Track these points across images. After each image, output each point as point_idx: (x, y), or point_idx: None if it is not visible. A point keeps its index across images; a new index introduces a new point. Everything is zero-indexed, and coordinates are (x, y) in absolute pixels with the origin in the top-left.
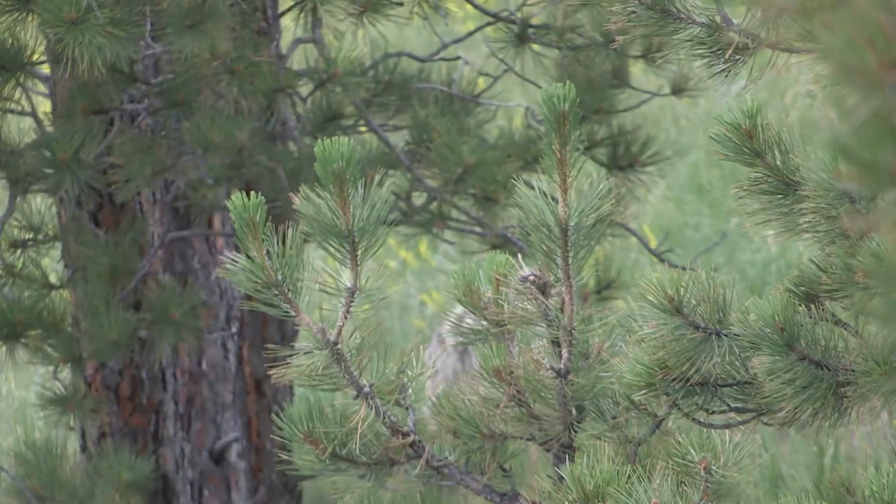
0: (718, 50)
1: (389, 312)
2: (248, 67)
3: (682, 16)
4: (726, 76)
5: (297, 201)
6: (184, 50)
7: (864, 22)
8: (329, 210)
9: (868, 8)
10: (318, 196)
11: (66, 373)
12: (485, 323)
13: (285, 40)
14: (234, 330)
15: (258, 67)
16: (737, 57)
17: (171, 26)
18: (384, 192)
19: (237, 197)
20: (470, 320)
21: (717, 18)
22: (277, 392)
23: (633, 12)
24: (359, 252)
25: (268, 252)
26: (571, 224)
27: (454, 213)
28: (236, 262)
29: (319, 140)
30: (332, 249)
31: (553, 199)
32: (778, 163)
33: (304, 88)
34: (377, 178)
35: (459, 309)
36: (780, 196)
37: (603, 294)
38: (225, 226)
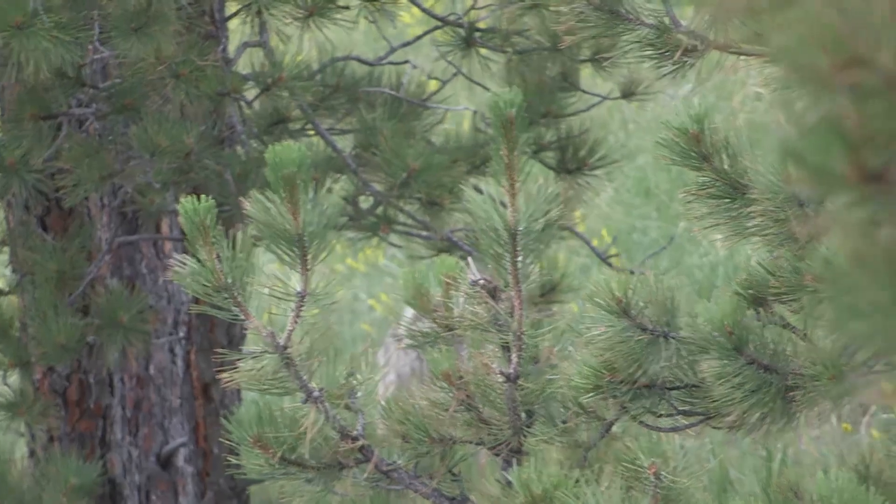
0: (667, 52)
1: (338, 317)
2: (194, 71)
3: (631, 17)
4: (675, 78)
5: (248, 205)
6: (129, 54)
7: (816, 23)
8: (279, 214)
9: (820, 8)
10: (268, 200)
11: (14, 377)
12: (435, 326)
13: (233, 44)
14: (181, 334)
15: (204, 71)
16: (685, 59)
17: (115, 30)
18: (334, 196)
19: (188, 200)
20: (420, 323)
21: (666, 20)
22: (225, 396)
23: (582, 13)
24: (309, 256)
25: (217, 255)
26: (520, 228)
27: (401, 218)
28: (185, 265)
29: (270, 145)
30: (281, 254)
31: (502, 203)
32: (726, 167)
33: (252, 92)
34: (327, 183)
35: (410, 312)
36: (728, 200)
37: (548, 297)
38: (173, 230)
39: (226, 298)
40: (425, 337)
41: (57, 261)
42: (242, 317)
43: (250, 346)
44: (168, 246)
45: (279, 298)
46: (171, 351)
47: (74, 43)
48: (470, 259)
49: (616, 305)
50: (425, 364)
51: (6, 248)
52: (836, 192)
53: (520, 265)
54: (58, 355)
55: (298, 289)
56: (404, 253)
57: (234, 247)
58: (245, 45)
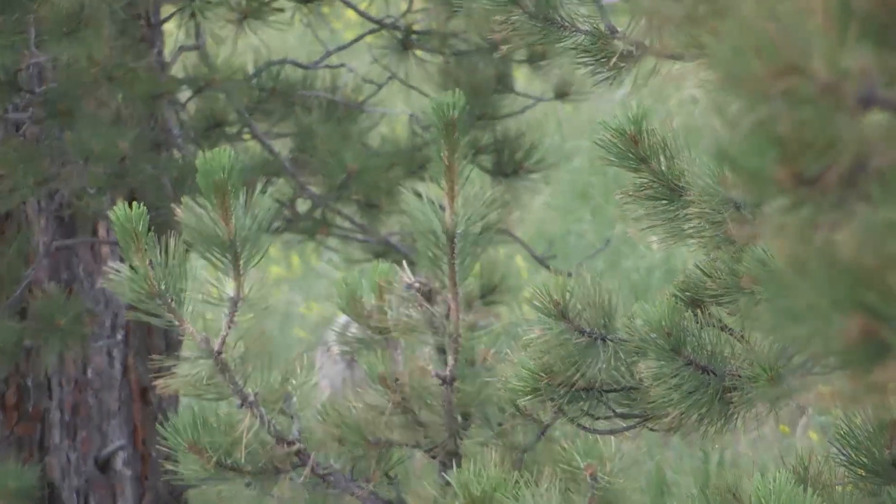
0: (603, 58)
1: (273, 321)
2: (128, 74)
3: (566, 24)
4: (611, 84)
5: (180, 212)
6: (61, 57)
7: (751, 30)
8: (211, 220)
9: (755, 16)
10: (200, 206)
11: None
12: (369, 331)
13: (169, 48)
14: (119, 338)
15: (138, 74)
16: (621, 65)
17: (48, 33)
18: (266, 200)
19: (119, 207)
20: (355, 329)
21: (602, 27)
22: (163, 400)
23: (517, 20)
24: (241, 262)
25: (151, 262)
26: (458, 231)
27: (339, 221)
28: (120, 272)
29: (201, 151)
30: (214, 260)
31: (440, 206)
32: (663, 168)
33: (188, 96)
34: (260, 187)
35: (344, 318)
36: (665, 202)
37: (486, 300)
38: (110, 234)
39: (159, 305)
40: (360, 342)
41: None
42: (176, 323)
43: (188, 350)
44: (105, 250)
45: (213, 304)
46: (109, 355)
47: (7, 47)
48: (404, 262)
49: (554, 308)
50: (357, 372)
51: None
52: (771, 195)
53: (457, 268)
54: None
55: (231, 294)
56: (341, 256)
57: (167, 253)
58: (181, 48)
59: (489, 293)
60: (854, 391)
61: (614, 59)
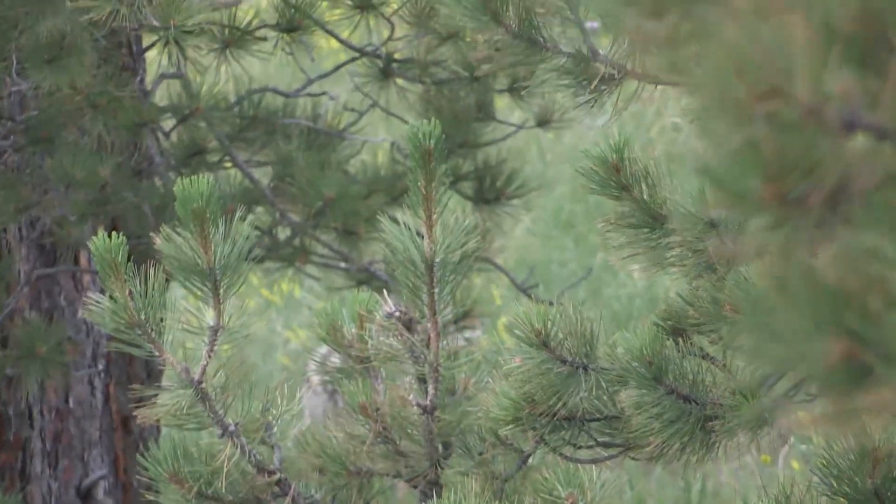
0: (584, 80)
1: (255, 350)
2: (111, 102)
3: (549, 46)
4: (592, 107)
5: (159, 241)
6: (42, 85)
7: (734, 52)
8: (190, 249)
9: (737, 38)
10: (179, 235)
11: None
12: (349, 361)
13: (151, 76)
14: (100, 367)
15: (121, 102)
16: (603, 88)
17: (29, 61)
18: (246, 228)
19: (99, 237)
20: (335, 358)
21: (584, 49)
22: (144, 429)
23: (499, 41)
24: (221, 290)
25: (131, 292)
26: (437, 260)
27: (319, 249)
28: (100, 302)
29: (180, 178)
30: (194, 288)
31: (419, 234)
32: (645, 196)
33: (170, 124)
34: (238, 213)
35: (325, 348)
36: (647, 230)
37: (460, 325)
38: (91, 263)
39: (139, 335)
40: (340, 372)
41: None
42: (157, 353)
43: (168, 380)
44: (87, 278)
45: (193, 333)
46: (91, 384)
47: None
48: (385, 291)
49: (535, 337)
50: (339, 403)
51: None
52: (754, 214)
53: (436, 296)
54: None
55: (211, 323)
56: (322, 284)
57: (146, 282)
58: (162, 76)
59: (465, 316)
60: (836, 415)
61: (595, 82)
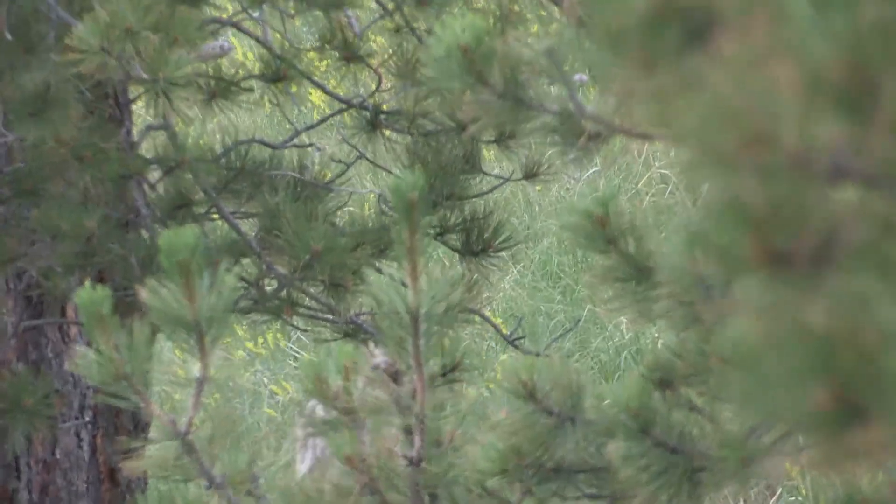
0: (572, 138)
1: (241, 402)
2: (97, 154)
3: (535, 104)
4: (580, 164)
5: (144, 293)
6: (26, 137)
7: (721, 101)
8: (175, 301)
9: (724, 87)
10: (165, 287)
11: None
12: (335, 413)
13: (138, 127)
14: (87, 419)
15: (106, 154)
16: (590, 144)
17: (13, 113)
18: (231, 279)
19: (84, 290)
20: (320, 410)
21: (570, 106)
22: (132, 481)
23: (486, 101)
24: (206, 342)
25: (116, 345)
26: (422, 311)
27: (306, 301)
28: (86, 355)
29: (164, 231)
30: (179, 340)
31: (403, 285)
32: (631, 249)
33: (157, 175)
34: (223, 265)
35: (313, 401)
36: (634, 283)
37: (448, 377)
38: (78, 315)
39: (125, 387)
40: (326, 424)
41: None
42: (143, 405)
43: (155, 431)
44: (74, 330)
45: (180, 385)
46: (78, 435)
47: None
48: (371, 343)
49: (522, 389)
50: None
51: None
52: (743, 273)
53: (422, 348)
54: None
55: (197, 375)
56: (309, 336)
57: (132, 335)
58: (149, 127)
59: (453, 370)
60: (825, 460)
61: (583, 139)
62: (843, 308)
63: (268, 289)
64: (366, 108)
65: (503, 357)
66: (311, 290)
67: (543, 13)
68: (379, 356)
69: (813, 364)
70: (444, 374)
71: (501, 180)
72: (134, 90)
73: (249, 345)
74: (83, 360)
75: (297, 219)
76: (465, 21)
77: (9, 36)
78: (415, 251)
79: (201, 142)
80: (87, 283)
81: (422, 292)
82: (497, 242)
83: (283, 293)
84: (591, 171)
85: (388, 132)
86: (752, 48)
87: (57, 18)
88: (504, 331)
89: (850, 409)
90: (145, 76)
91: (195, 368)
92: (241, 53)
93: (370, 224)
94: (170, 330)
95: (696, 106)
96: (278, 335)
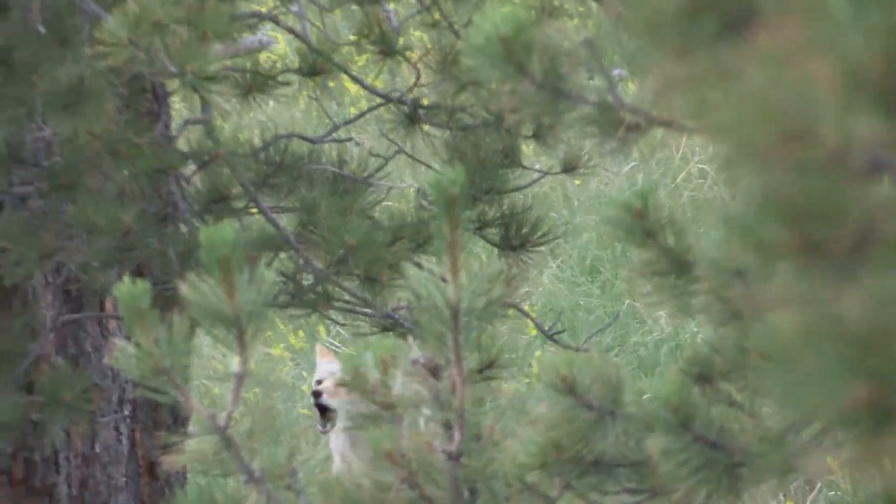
0: (610, 129)
1: (280, 396)
2: (131, 149)
3: (574, 95)
4: (618, 155)
5: (184, 288)
6: (59, 131)
7: (758, 97)
8: (215, 296)
9: (761, 83)
10: (204, 282)
11: None
12: (374, 407)
13: (177, 121)
14: (127, 413)
15: (140, 149)
16: (629, 136)
17: (47, 107)
18: (270, 274)
19: (124, 284)
20: (360, 404)
21: (609, 98)
22: (171, 475)
23: (525, 92)
24: (246, 337)
25: (156, 339)
26: (462, 306)
27: (344, 295)
28: (125, 349)
29: (204, 226)
30: (219, 335)
31: (444, 280)
32: (670, 243)
33: (193, 170)
34: (263, 260)
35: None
36: (673, 277)
37: (485, 373)
38: (117, 309)
39: (164, 381)
40: (364, 418)
41: (0, 339)
42: (182, 399)
43: (195, 425)
44: (113, 324)
45: (219, 380)
46: (117, 429)
47: (6, 120)
48: (410, 337)
49: (562, 383)
50: (360, 449)
51: None
52: (778, 262)
53: (461, 343)
54: (0, 433)
55: (237, 370)
56: (347, 330)
57: (171, 329)
58: (186, 122)
59: (490, 366)
60: (862, 459)
61: (621, 131)
62: (878, 303)
63: (305, 283)
64: (404, 103)
65: (538, 354)
66: (348, 284)
67: (582, 8)
68: (418, 351)
69: (848, 361)
70: (482, 370)
71: (540, 174)
72: (170, 84)
73: (292, 339)
74: (122, 354)
75: (333, 214)
76: (504, 11)
77: (42, 29)
78: (455, 246)
79: (240, 136)
80: (126, 277)
81: (462, 287)
82: (536, 237)
83: (320, 287)
84: (629, 165)
85: (426, 127)
86: (789, 44)
87: (91, 12)
88: (543, 326)
89: (886, 410)
90: (174, 70)
91: (234, 363)
92: (283, 47)
93: (408, 219)
94: (209, 325)
95: (733, 101)
96: (319, 328)
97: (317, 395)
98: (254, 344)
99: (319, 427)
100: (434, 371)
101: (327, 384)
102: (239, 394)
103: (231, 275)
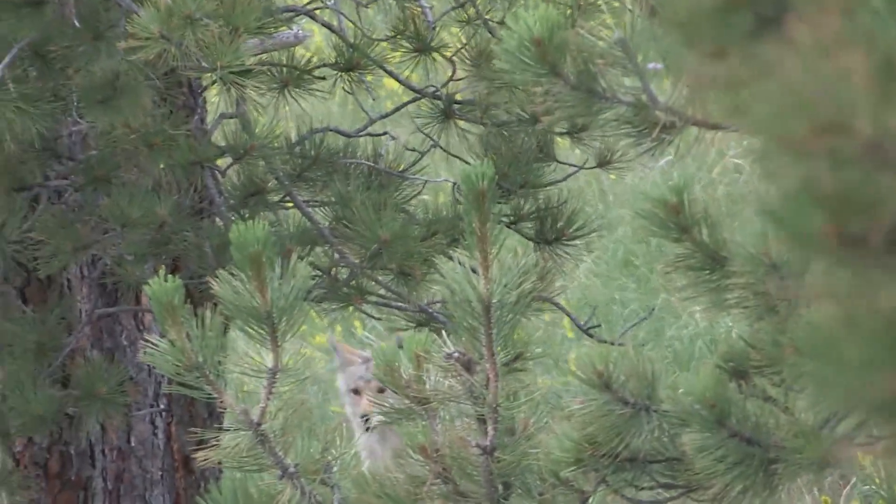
0: (645, 129)
1: (315, 391)
2: (167, 142)
3: (608, 95)
4: (653, 155)
5: (216, 285)
6: (95, 124)
7: (794, 89)
8: (247, 293)
9: (797, 75)
10: (236, 279)
11: None
12: (407, 402)
13: (212, 115)
14: (162, 406)
15: (175, 142)
16: (664, 136)
17: (82, 100)
18: (303, 269)
19: (155, 280)
20: (392, 399)
21: (643, 97)
22: (206, 469)
23: (558, 93)
24: (278, 332)
25: (188, 334)
26: (494, 301)
27: (380, 290)
28: (157, 346)
29: (239, 220)
30: (251, 332)
31: (473, 271)
32: (705, 238)
33: (227, 163)
34: (295, 255)
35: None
36: (708, 272)
37: (512, 366)
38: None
39: (198, 377)
40: (398, 412)
41: (36, 332)
42: (216, 395)
43: (228, 421)
44: (148, 318)
45: (252, 375)
46: (153, 423)
47: (40, 114)
48: (443, 332)
49: (597, 379)
50: (389, 444)
51: None
52: (815, 254)
53: (494, 337)
54: (35, 426)
55: (270, 365)
56: (383, 324)
57: (203, 325)
58: (221, 116)
59: (517, 359)
60: None
61: (656, 131)
62: None
63: (339, 278)
64: (439, 98)
65: (574, 352)
66: (382, 278)
67: (617, 3)
68: (451, 345)
69: (886, 352)
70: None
71: (575, 169)
72: (205, 78)
73: (320, 338)
74: (155, 350)
75: (368, 207)
76: (537, 13)
77: (77, 23)
78: (485, 240)
79: (276, 130)
80: (159, 273)
81: (493, 281)
82: (571, 231)
83: (354, 282)
84: (664, 159)
85: (461, 122)
86: (824, 36)
87: (125, 6)
88: (579, 320)
89: None
90: (205, 64)
91: (268, 358)
92: (319, 41)
93: (444, 213)
94: (242, 321)
95: (769, 94)
96: (356, 323)
97: (366, 419)
98: (286, 339)
99: (360, 431)
100: (467, 365)
101: (367, 397)
102: (272, 389)
103: (262, 271)
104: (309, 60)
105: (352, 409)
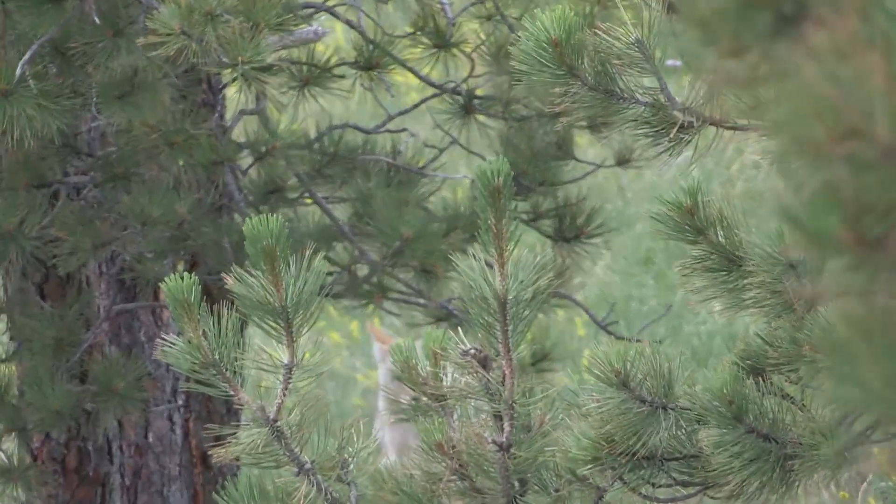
0: (663, 129)
1: (333, 387)
2: (187, 140)
3: (626, 96)
4: (671, 154)
5: (230, 282)
6: (113, 121)
7: (813, 94)
8: (262, 288)
9: (816, 79)
10: (251, 275)
11: (11, 444)
12: (424, 398)
13: (231, 112)
14: (180, 402)
15: (197, 140)
16: (682, 136)
17: (101, 97)
18: (318, 265)
19: (171, 278)
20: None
21: (661, 98)
22: (223, 464)
23: (577, 93)
24: (294, 327)
25: (204, 332)
26: (510, 297)
27: (398, 286)
28: (174, 343)
29: (249, 218)
30: (266, 327)
31: (488, 265)
32: (721, 239)
33: (248, 161)
34: (309, 250)
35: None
36: (724, 272)
37: (538, 366)
38: None
39: (214, 375)
40: (415, 409)
41: (55, 328)
42: (232, 392)
43: (246, 417)
44: (166, 314)
45: (268, 371)
46: (170, 419)
47: (60, 111)
48: (459, 329)
49: (615, 377)
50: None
51: (3, 316)
52: (834, 256)
53: (510, 333)
54: (53, 421)
55: (285, 361)
56: (402, 321)
57: (220, 322)
58: (241, 112)
59: (544, 359)
60: None
61: (674, 131)
62: None
63: (360, 274)
64: (459, 94)
65: (588, 350)
66: (402, 275)
67: None
68: (468, 342)
69: None
70: (534, 363)
71: (594, 166)
72: (225, 75)
73: (337, 335)
74: (171, 347)
75: (388, 206)
76: (554, 14)
77: (97, 20)
78: (501, 236)
79: (294, 127)
80: (175, 270)
81: (509, 277)
82: (590, 228)
83: (375, 279)
84: (683, 156)
85: (481, 117)
86: (842, 39)
87: (145, 2)
88: (597, 316)
89: None
90: (226, 61)
91: (283, 354)
92: (339, 37)
93: (462, 209)
94: (257, 317)
95: (787, 97)
96: (375, 320)
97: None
98: (301, 335)
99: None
100: (484, 362)
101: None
102: (288, 385)
103: (276, 266)
104: (329, 59)
105: (386, 403)
